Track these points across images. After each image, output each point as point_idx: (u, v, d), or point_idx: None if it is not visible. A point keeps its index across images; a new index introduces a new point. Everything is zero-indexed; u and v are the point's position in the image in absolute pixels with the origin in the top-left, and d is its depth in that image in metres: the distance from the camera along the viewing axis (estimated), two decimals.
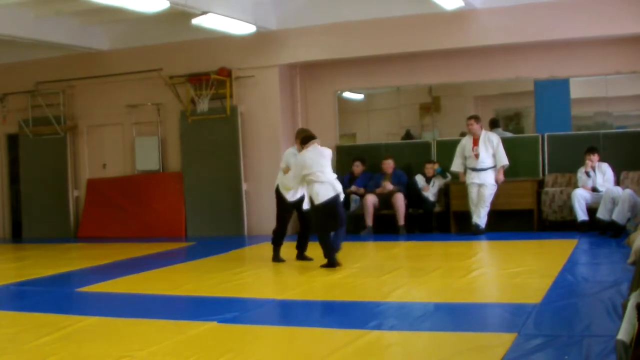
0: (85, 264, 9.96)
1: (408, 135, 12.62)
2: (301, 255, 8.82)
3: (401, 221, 11.34)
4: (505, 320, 5.47)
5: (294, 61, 12.40)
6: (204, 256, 9.97)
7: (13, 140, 14.24)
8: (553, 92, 11.54)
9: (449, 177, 11.57)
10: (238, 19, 11.09)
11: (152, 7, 9.81)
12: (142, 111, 13.26)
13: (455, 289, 6.82)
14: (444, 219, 11.54)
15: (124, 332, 5.59)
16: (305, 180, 8.13)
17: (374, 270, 8.06)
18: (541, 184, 11.18)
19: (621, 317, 3.88)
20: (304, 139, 8.31)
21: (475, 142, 10.92)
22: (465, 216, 11.10)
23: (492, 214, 10.87)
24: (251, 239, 11.90)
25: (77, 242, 13.12)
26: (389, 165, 11.73)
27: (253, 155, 12.49)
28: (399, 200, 11.32)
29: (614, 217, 9.68)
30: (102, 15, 11.84)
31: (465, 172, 11.04)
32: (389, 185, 11.52)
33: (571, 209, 10.46)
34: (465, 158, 11.04)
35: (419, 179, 11.67)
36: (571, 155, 11.01)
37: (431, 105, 12.50)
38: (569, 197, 10.51)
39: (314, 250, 8.50)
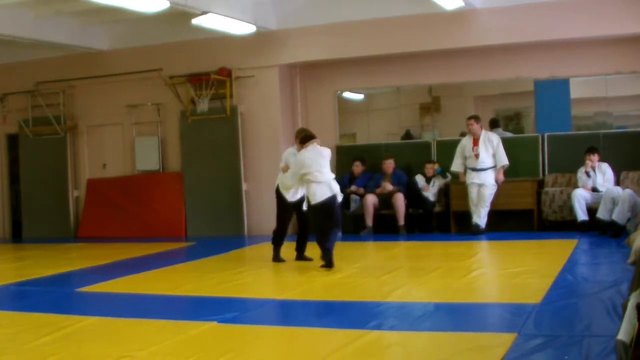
0: (85, 264, 9.97)
1: (408, 135, 12.62)
2: (301, 256, 8.82)
3: (401, 221, 11.34)
4: (505, 320, 5.47)
5: (294, 61, 12.40)
6: (204, 256, 9.98)
7: (13, 140, 14.24)
8: (553, 92, 11.54)
9: (449, 177, 11.57)
10: (238, 19, 11.09)
11: (152, 7, 9.81)
12: (142, 111, 13.26)
13: (455, 289, 6.82)
14: (444, 219, 11.54)
15: (124, 332, 5.59)
16: (303, 179, 8.12)
17: (374, 270, 8.05)
18: (541, 184, 11.18)
19: (621, 317, 3.88)
20: (304, 138, 8.31)
21: (475, 142, 10.92)
22: (465, 216, 11.10)
23: (492, 214, 10.88)
24: (251, 239, 11.90)
25: (77, 242, 13.12)
26: (389, 165, 11.73)
27: (253, 155, 12.49)
28: (399, 200, 11.32)
29: (614, 217, 9.68)
30: (102, 15, 11.84)
31: (465, 172, 11.04)
32: (388, 186, 11.52)
33: (571, 209, 10.46)
34: (465, 158, 11.04)
35: (419, 179, 11.67)
36: (571, 155, 11.01)
37: (431, 105, 12.50)
38: (569, 197, 10.51)
39: (314, 250, 8.49)
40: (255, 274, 8.28)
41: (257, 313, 6.23)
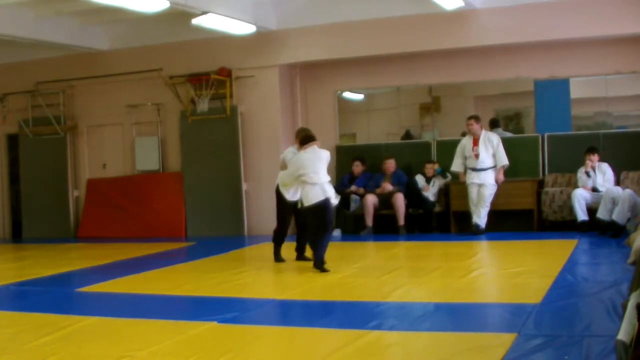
0: (85, 264, 9.96)
1: (408, 135, 12.62)
2: (301, 256, 8.82)
3: (401, 221, 11.34)
4: (505, 320, 5.47)
5: (294, 61, 12.40)
6: (204, 256, 9.97)
7: (13, 140, 14.24)
8: (553, 92, 11.54)
9: (449, 177, 11.57)
10: (238, 19, 11.09)
11: (152, 7, 9.81)
12: (142, 111, 13.26)
13: (455, 289, 6.82)
14: (444, 219, 11.54)
15: (124, 332, 5.59)
16: (299, 180, 8.14)
17: (374, 270, 8.05)
18: (541, 184, 11.18)
19: (621, 317, 3.88)
20: (304, 139, 8.30)
21: (475, 142, 10.92)
22: (465, 216, 11.10)
23: (492, 214, 10.87)
24: (251, 239, 11.90)
25: (77, 242, 13.12)
26: (390, 165, 11.73)
27: (253, 155, 12.49)
28: (399, 200, 11.32)
29: (614, 217, 9.68)
30: (102, 15, 11.84)
31: (465, 172, 11.04)
32: (388, 186, 11.52)
33: (571, 209, 10.46)
34: (465, 158, 11.04)
35: (419, 179, 11.67)
36: (571, 155, 11.00)
37: (431, 105, 12.50)
38: (569, 197, 10.50)
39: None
40: (255, 274, 8.28)
41: (257, 313, 6.23)
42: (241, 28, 11.38)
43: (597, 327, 5.04)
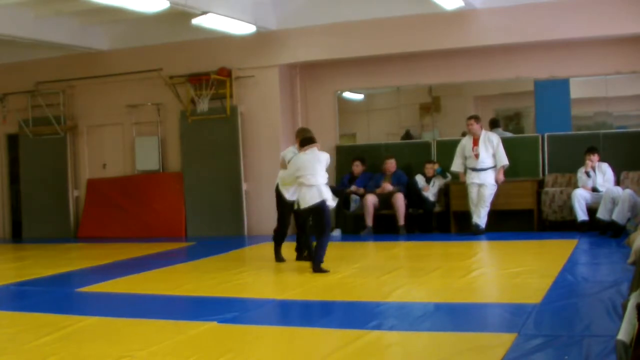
0: (85, 264, 9.96)
1: (408, 135, 12.62)
2: (301, 256, 8.82)
3: (401, 221, 11.34)
4: (505, 320, 5.47)
5: (294, 61, 12.40)
6: (204, 256, 9.97)
7: (13, 140, 14.24)
8: (553, 92, 11.54)
9: (449, 177, 11.57)
10: (238, 19, 11.09)
11: (152, 7, 9.81)
12: (142, 111, 13.26)
13: (455, 289, 6.82)
14: (444, 219, 11.54)
15: (124, 332, 5.59)
16: (297, 182, 8.14)
17: (374, 270, 8.05)
18: (541, 184, 11.18)
19: (621, 317, 3.88)
20: (303, 141, 8.30)
21: (475, 142, 10.92)
22: (465, 216, 11.10)
23: (492, 214, 10.87)
24: (251, 239, 11.90)
25: (77, 242, 13.12)
26: (391, 164, 11.72)
27: (253, 155, 12.49)
28: (399, 200, 11.32)
29: (614, 217, 9.68)
30: (102, 15, 11.84)
31: (465, 172, 11.04)
32: (388, 186, 11.52)
33: (571, 209, 10.46)
34: (465, 158, 11.04)
35: (419, 179, 11.67)
36: (571, 155, 11.01)
37: (431, 105, 12.50)
38: (569, 197, 10.50)
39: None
40: (255, 274, 8.28)
41: (257, 313, 6.23)
42: (241, 28, 11.38)
43: (597, 327, 5.04)
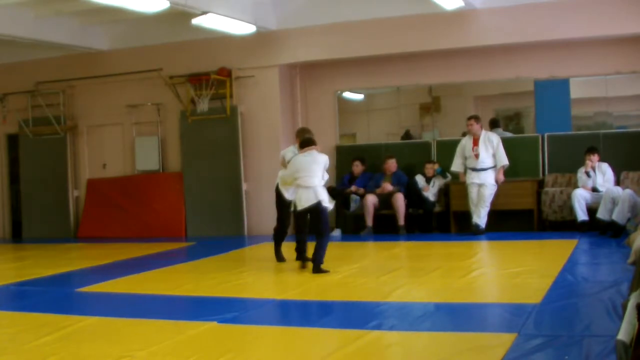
0: (85, 264, 9.97)
1: (408, 135, 12.62)
2: (301, 256, 8.80)
3: (401, 221, 11.34)
4: (505, 320, 5.46)
5: (294, 61, 12.40)
6: (204, 256, 9.97)
7: (13, 140, 14.24)
8: (553, 92, 11.54)
9: (449, 177, 11.57)
10: (238, 19, 11.09)
11: (152, 7, 9.81)
12: (142, 111, 13.26)
13: (455, 289, 6.82)
14: (444, 219, 11.54)
15: (124, 332, 5.59)
16: (294, 183, 8.16)
17: (374, 270, 8.05)
18: (541, 184, 11.18)
19: (621, 317, 3.88)
20: (303, 142, 8.33)
21: (475, 142, 10.92)
22: (465, 216, 11.10)
23: (492, 214, 10.87)
24: (251, 239, 11.90)
25: (77, 242, 13.12)
26: (391, 164, 11.72)
27: (253, 155, 12.49)
28: (399, 200, 11.32)
29: (614, 217, 9.68)
30: (102, 15, 11.84)
31: (465, 172, 11.04)
32: (388, 186, 11.52)
33: (571, 209, 10.46)
34: (465, 158, 11.04)
35: (419, 179, 11.67)
36: (571, 155, 11.01)
37: (431, 105, 12.50)
38: (569, 197, 10.50)
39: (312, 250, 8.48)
40: (255, 274, 8.28)
41: (257, 313, 6.23)
42: (241, 28, 11.38)
43: (597, 327, 5.04)
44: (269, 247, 9.15)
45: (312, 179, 7.98)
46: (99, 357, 4.83)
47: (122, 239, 12.58)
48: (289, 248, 8.98)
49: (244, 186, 12.49)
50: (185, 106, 12.74)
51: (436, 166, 11.66)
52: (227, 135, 12.52)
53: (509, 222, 11.14)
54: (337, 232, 11.57)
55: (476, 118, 11.00)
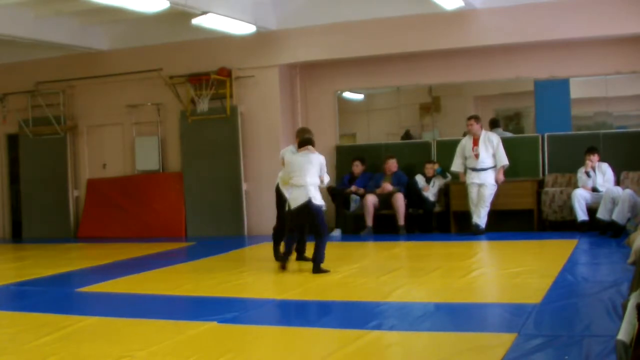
0: (85, 264, 9.97)
1: (408, 135, 12.62)
2: (301, 256, 8.81)
3: (401, 221, 11.34)
4: (505, 320, 5.46)
5: (294, 61, 12.41)
6: (204, 256, 9.97)
7: (13, 140, 14.24)
8: (553, 92, 11.54)
9: (449, 177, 11.57)
10: (238, 19, 11.09)
11: (152, 7, 9.81)
12: (142, 111, 13.26)
13: (455, 289, 6.82)
14: (444, 219, 11.54)
15: (124, 332, 5.59)
16: (290, 182, 8.17)
17: (374, 270, 8.05)
18: (541, 184, 11.18)
19: (621, 317, 3.88)
20: (300, 143, 8.35)
21: (475, 142, 10.92)
22: (465, 216, 11.10)
23: (492, 214, 10.87)
24: (251, 239, 11.90)
25: (77, 242, 13.12)
26: (392, 164, 11.71)
27: (253, 155, 12.49)
28: (399, 200, 11.32)
29: (614, 217, 9.68)
30: (102, 15, 11.84)
31: (465, 172, 11.04)
32: (388, 186, 11.52)
33: (571, 209, 10.45)
34: (465, 158, 11.04)
35: (419, 179, 11.67)
36: (571, 155, 11.01)
37: (431, 105, 12.50)
38: (569, 197, 10.50)
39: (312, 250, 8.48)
40: (255, 274, 8.28)
41: (257, 313, 6.23)
42: (241, 28, 11.38)
43: (597, 327, 5.04)
44: (269, 247, 9.15)
45: (304, 179, 7.99)
46: (99, 357, 4.83)
47: (122, 239, 12.58)
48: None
49: (244, 186, 12.49)
50: (185, 106, 12.74)
51: (436, 166, 11.66)
52: (227, 135, 12.52)
53: (509, 222, 11.14)
54: (337, 232, 11.58)
55: (476, 118, 11.00)
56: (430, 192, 11.51)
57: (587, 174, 10.50)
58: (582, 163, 10.59)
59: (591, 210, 10.26)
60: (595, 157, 10.49)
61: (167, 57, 12.73)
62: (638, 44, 10.82)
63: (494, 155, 10.88)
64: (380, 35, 11.67)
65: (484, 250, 9.82)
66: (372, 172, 12.02)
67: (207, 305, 6.55)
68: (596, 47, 11.12)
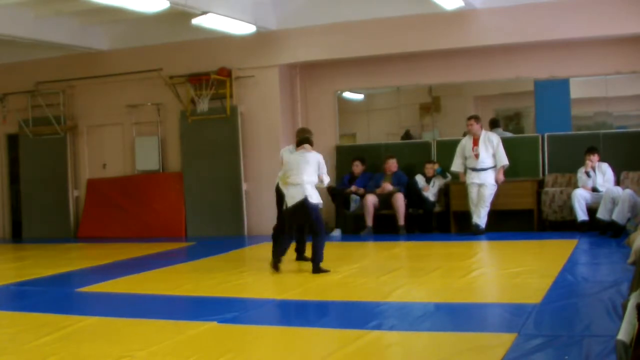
0: (85, 264, 9.97)
1: (408, 135, 12.62)
2: (301, 256, 8.82)
3: (401, 221, 11.34)
4: (505, 320, 5.46)
5: (294, 61, 12.40)
6: (204, 256, 9.97)
7: (13, 140, 14.24)
8: (553, 92, 11.54)
9: (449, 177, 11.57)
10: (238, 19, 11.09)
11: (152, 7, 9.81)
12: (142, 111, 13.26)
13: (455, 289, 6.82)
14: (444, 219, 11.54)
15: (124, 332, 5.59)
16: (287, 181, 8.18)
17: (374, 270, 8.05)
18: (541, 184, 11.18)
19: (621, 317, 3.88)
20: (298, 142, 8.37)
21: (475, 142, 10.92)
22: (465, 216, 11.10)
23: (492, 214, 10.87)
24: (251, 239, 11.90)
25: (77, 242, 13.12)
26: (392, 164, 11.71)
27: (253, 155, 12.49)
28: (399, 200, 11.32)
29: (614, 217, 9.68)
30: (102, 15, 11.84)
31: (465, 172, 11.04)
32: (388, 186, 11.52)
33: (571, 209, 10.45)
34: (465, 158, 11.04)
35: (419, 179, 11.67)
36: (571, 155, 11.01)
37: (431, 105, 12.50)
38: (569, 197, 10.50)
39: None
40: (255, 274, 8.28)
41: (257, 313, 6.24)
42: (241, 28, 11.38)
43: (597, 327, 5.04)
44: (269, 247, 9.11)
45: (299, 177, 8.00)
46: (99, 357, 4.84)
47: (122, 239, 12.58)
48: (289, 248, 8.98)
49: (244, 186, 12.49)
50: (185, 106, 12.74)
51: (436, 166, 11.66)
52: (227, 135, 12.52)
53: (509, 222, 11.14)
54: (337, 232, 11.58)
55: (476, 118, 11.00)
56: (430, 192, 11.51)
57: (587, 174, 10.50)
58: (582, 163, 10.59)
59: (591, 210, 10.26)
60: (595, 157, 10.49)
61: (167, 57, 12.73)
62: (638, 44, 10.82)
63: (494, 155, 10.88)
64: (380, 35, 11.67)
65: (484, 250, 9.82)
66: (372, 172, 12.02)
67: (207, 305, 6.55)
68: (596, 47, 11.12)
